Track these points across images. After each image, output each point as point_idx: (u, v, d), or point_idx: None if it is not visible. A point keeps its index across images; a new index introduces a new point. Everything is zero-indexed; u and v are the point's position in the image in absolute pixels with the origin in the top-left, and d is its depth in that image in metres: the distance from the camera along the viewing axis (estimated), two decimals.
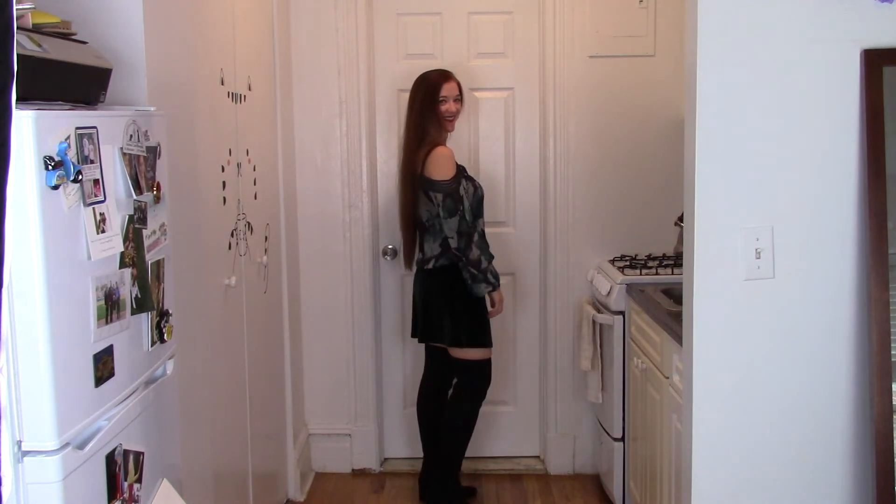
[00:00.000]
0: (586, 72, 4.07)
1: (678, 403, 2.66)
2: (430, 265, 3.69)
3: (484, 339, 3.74)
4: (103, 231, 1.80)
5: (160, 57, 2.34)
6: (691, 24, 2.19)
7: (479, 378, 3.78)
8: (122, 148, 1.91)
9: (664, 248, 4.03)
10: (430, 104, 3.69)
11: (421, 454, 4.00)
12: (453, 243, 3.60)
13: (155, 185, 2.06)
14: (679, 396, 2.65)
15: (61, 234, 1.68)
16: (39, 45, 1.75)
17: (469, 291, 3.65)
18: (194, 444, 2.59)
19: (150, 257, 2.04)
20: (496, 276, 3.68)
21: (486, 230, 3.76)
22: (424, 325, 3.77)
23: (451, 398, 3.85)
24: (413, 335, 3.90)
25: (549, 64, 4.09)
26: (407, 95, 4.19)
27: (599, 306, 3.85)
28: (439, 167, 3.62)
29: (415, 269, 3.84)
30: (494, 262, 3.70)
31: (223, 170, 2.96)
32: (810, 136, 2.18)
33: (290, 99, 4.03)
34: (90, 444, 1.75)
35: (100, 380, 1.80)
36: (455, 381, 3.84)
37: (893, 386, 2.15)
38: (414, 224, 3.77)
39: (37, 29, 1.84)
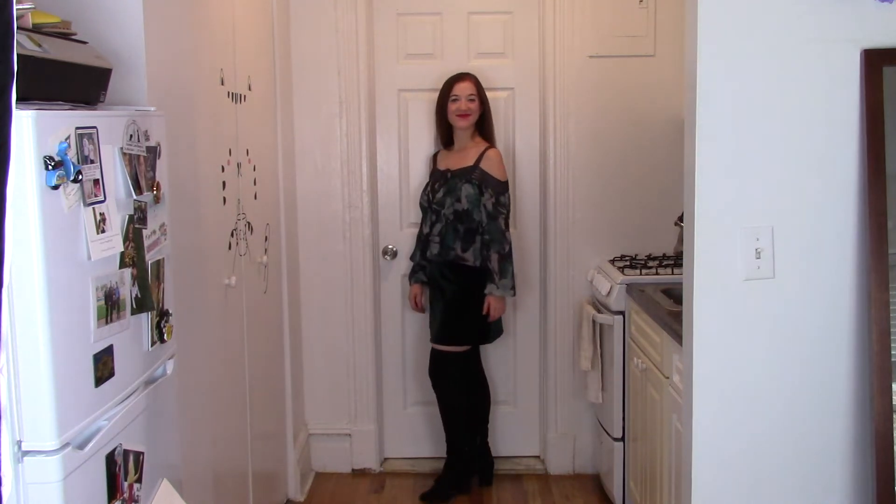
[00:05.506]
0: (586, 72, 4.07)
1: (678, 403, 2.66)
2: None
3: None
4: (103, 231, 1.80)
5: (160, 57, 2.34)
6: (691, 24, 2.19)
7: None
8: (122, 148, 1.91)
9: (664, 248, 4.02)
10: (441, 104, 3.91)
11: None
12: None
13: (155, 185, 2.06)
14: (679, 396, 2.65)
15: (61, 234, 1.68)
16: (39, 45, 1.75)
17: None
18: (194, 444, 2.59)
19: (150, 257, 2.04)
20: None
21: None
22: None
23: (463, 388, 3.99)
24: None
25: (549, 64, 4.09)
26: (407, 95, 4.21)
27: (599, 306, 3.85)
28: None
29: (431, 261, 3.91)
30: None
31: (223, 170, 2.96)
32: (810, 135, 2.18)
33: (290, 99, 4.03)
34: (90, 444, 1.75)
35: (100, 380, 1.80)
36: (442, 371, 3.97)
37: (893, 386, 2.15)
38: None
39: (37, 29, 1.84)
